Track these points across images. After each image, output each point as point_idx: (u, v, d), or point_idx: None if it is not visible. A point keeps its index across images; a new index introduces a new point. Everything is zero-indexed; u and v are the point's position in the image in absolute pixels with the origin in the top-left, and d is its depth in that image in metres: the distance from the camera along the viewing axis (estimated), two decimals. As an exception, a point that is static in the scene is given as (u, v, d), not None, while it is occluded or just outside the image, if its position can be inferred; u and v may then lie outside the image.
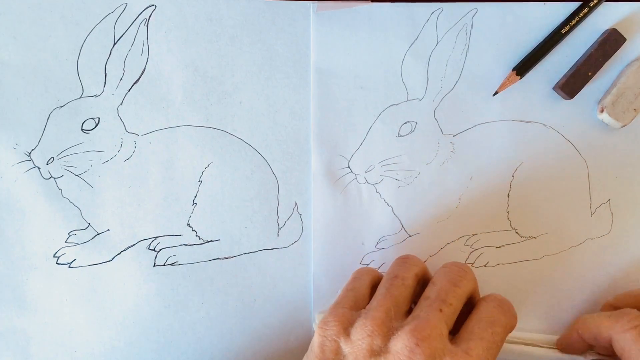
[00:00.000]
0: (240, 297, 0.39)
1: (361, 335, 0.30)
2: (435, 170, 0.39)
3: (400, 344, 0.29)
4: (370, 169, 0.39)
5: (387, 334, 0.30)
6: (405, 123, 0.39)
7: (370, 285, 0.35)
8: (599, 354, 0.37)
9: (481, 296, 0.35)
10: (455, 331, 0.32)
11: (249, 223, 0.39)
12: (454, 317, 0.32)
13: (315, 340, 0.32)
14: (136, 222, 0.38)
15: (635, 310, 0.34)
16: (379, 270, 0.39)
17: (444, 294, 0.32)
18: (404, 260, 0.35)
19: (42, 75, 0.37)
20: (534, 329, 0.40)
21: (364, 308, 0.33)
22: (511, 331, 0.33)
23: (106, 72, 0.37)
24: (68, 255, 0.38)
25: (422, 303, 0.32)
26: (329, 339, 0.31)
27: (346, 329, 0.31)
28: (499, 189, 0.40)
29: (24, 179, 0.37)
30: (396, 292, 0.33)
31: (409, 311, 0.33)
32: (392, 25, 0.38)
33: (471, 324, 0.32)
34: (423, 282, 0.35)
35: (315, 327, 0.38)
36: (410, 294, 0.33)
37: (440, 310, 0.31)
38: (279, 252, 0.39)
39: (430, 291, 0.32)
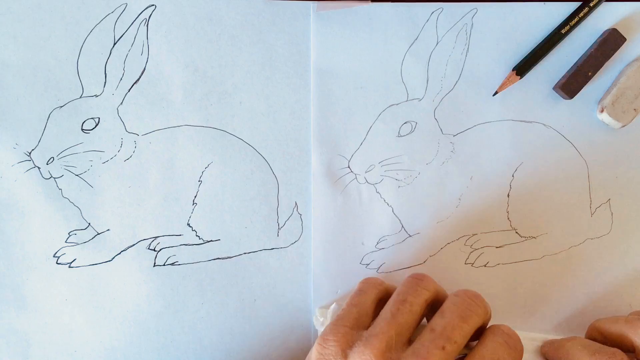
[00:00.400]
0: (240, 297, 0.39)
1: None
2: (435, 170, 0.39)
3: None
4: (370, 169, 0.39)
5: None
6: (405, 123, 0.39)
7: (376, 301, 0.34)
8: None
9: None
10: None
11: (249, 223, 0.39)
12: (457, 354, 0.31)
13: (313, 357, 0.31)
14: (136, 222, 0.38)
15: (618, 352, 0.33)
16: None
17: (449, 330, 0.30)
18: (417, 282, 0.33)
19: (42, 75, 0.37)
20: (533, 329, 0.40)
21: (367, 327, 0.32)
22: None
23: (106, 72, 0.37)
24: (68, 255, 0.38)
25: (426, 336, 0.31)
26: (326, 358, 0.31)
27: (344, 351, 0.30)
28: (499, 189, 0.40)
29: (24, 179, 0.37)
30: (402, 319, 0.31)
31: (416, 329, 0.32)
32: (392, 25, 0.38)
33: None
34: (433, 305, 0.33)
35: (315, 322, 0.38)
36: (416, 320, 0.32)
37: (443, 348, 0.30)
38: (279, 252, 0.39)
39: (436, 323, 0.31)
